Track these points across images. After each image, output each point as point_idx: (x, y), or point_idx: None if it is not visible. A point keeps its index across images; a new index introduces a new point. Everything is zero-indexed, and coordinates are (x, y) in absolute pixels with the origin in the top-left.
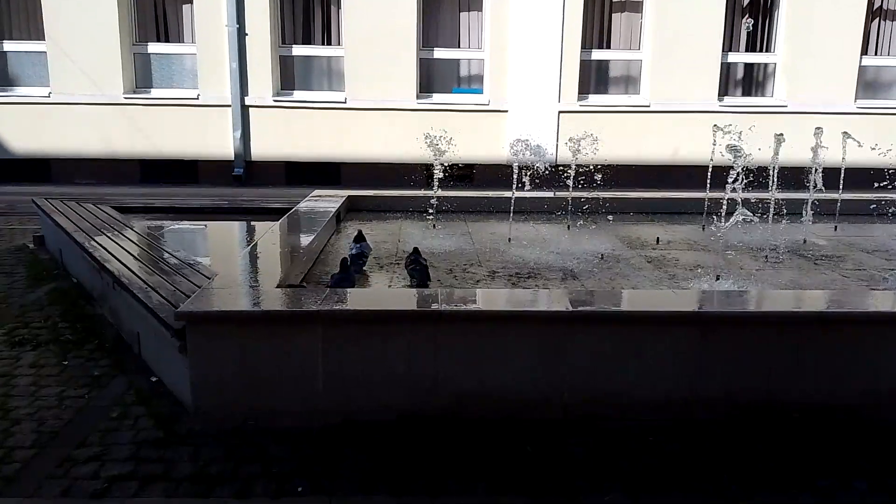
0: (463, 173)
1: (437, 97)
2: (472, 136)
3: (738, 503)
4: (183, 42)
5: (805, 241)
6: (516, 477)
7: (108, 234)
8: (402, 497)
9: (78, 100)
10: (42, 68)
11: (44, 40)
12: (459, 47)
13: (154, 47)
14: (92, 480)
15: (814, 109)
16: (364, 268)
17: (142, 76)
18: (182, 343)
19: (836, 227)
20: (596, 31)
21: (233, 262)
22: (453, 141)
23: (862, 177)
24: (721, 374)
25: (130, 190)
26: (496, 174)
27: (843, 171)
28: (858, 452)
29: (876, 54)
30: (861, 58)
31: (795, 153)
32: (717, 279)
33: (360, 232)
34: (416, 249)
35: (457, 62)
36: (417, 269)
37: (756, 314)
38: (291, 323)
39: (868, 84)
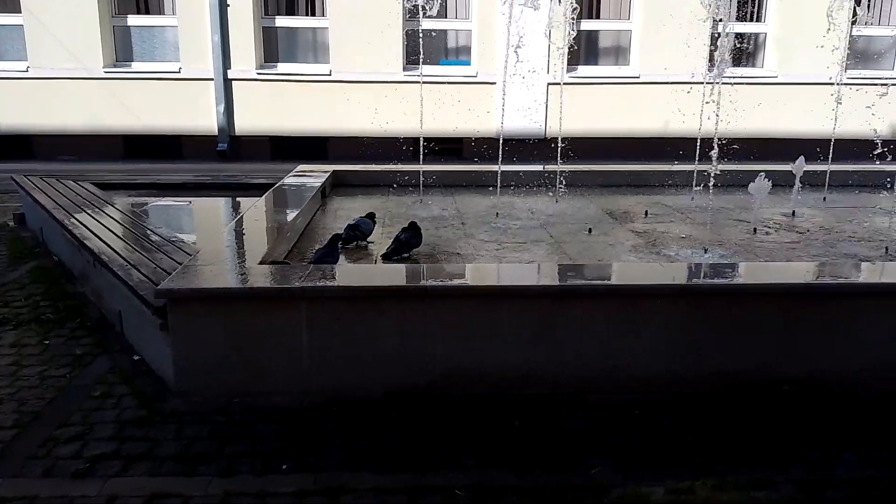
0: (451, 146)
1: (425, 69)
2: (460, 109)
3: (727, 477)
4: (163, 14)
5: (794, 214)
6: (504, 452)
7: (89, 212)
8: (388, 474)
9: (57, 74)
10: (19, 42)
11: (20, 13)
12: (447, 18)
13: (134, 19)
14: (74, 460)
15: (804, 80)
16: (352, 243)
17: (122, 49)
18: (163, 321)
19: (824, 197)
20: (585, 1)
21: (215, 239)
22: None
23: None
24: (711, 347)
25: (114, 166)
26: (485, 147)
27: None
28: (848, 425)
29: (867, 24)
30: (851, 27)
31: (785, 124)
32: (706, 252)
33: (372, 214)
34: (412, 224)
35: (444, 33)
36: (394, 242)
37: (747, 286)
38: (275, 300)
39: (859, 54)
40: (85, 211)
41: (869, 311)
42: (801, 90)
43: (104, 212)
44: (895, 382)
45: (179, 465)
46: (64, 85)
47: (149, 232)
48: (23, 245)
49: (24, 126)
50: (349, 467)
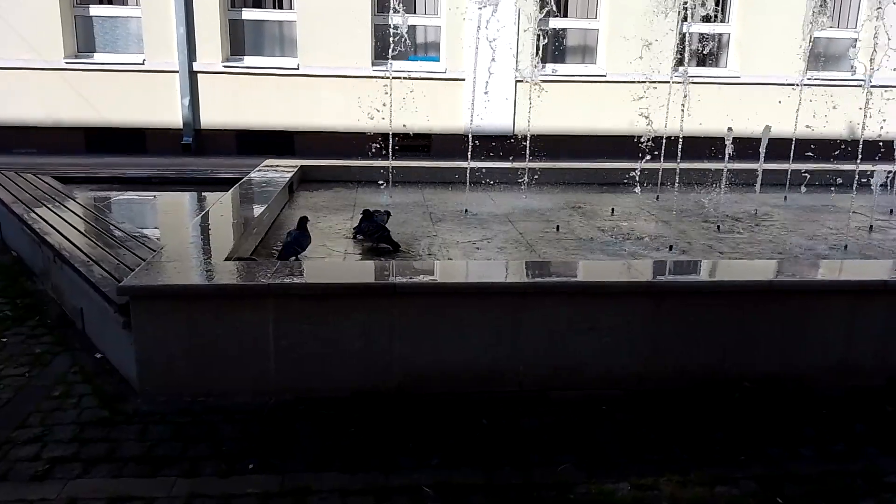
0: (420, 143)
1: (393, 64)
2: (429, 105)
3: (690, 474)
4: (127, 5)
5: (756, 212)
6: (470, 451)
7: (49, 206)
8: (355, 474)
9: (16, 65)
10: None
11: None
12: (415, 13)
13: (96, 10)
14: (32, 462)
15: (766, 81)
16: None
17: (84, 40)
18: (126, 319)
19: (785, 196)
20: None
21: (180, 235)
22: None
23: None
24: (674, 344)
25: (75, 160)
26: (453, 143)
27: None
28: (805, 421)
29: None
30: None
31: (748, 124)
32: (670, 249)
33: (390, 216)
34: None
35: (413, 28)
36: (381, 233)
37: (708, 284)
38: (241, 298)
39: (818, 56)
40: (45, 205)
41: (825, 308)
42: (763, 90)
43: (65, 206)
44: (849, 378)
45: (142, 466)
46: (23, 76)
47: (111, 227)
48: None
49: None
50: (316, 468)
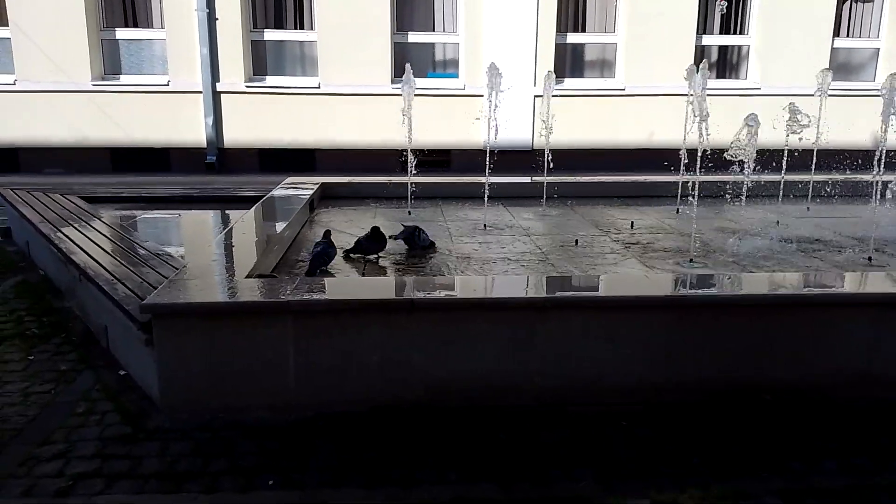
0: (439, 159)
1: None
2: (447, 121)
3: (711, 489)
4: (152, 27)
5: (778, 223)
6: (489, 465)
7: (76, 225)
8: (374, 489)
9: (45, 87)
10: (6, 55)
11: (7, 26)
12: (434, 31)
13: (122, 33)
14: (56, 478)
15: (787, 92)
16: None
17: (110, 62)
18: (148, 336)
19: (808, 207)
20: (571, 14)
21: (202, 253)
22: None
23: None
24: (693, 357)
25: (101, 179)
26: (472, 159)
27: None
28: (827, 433)
29: (848, 36)
30: (833, 40)
31: (768, 135)
32: (691, 261)
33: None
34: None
35: (431, 46)
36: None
37: (728, 297)
38: (261, 314)
39: (840, 66)
40: (71, 225)
41: (846, 320)
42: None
43: (91, 225)
44: (871, 390)
45: (163, 482)
46: (51, 98)
47: (136, 246)
48: (8, 259)
49: (10, 139)
50: (335, 483)
